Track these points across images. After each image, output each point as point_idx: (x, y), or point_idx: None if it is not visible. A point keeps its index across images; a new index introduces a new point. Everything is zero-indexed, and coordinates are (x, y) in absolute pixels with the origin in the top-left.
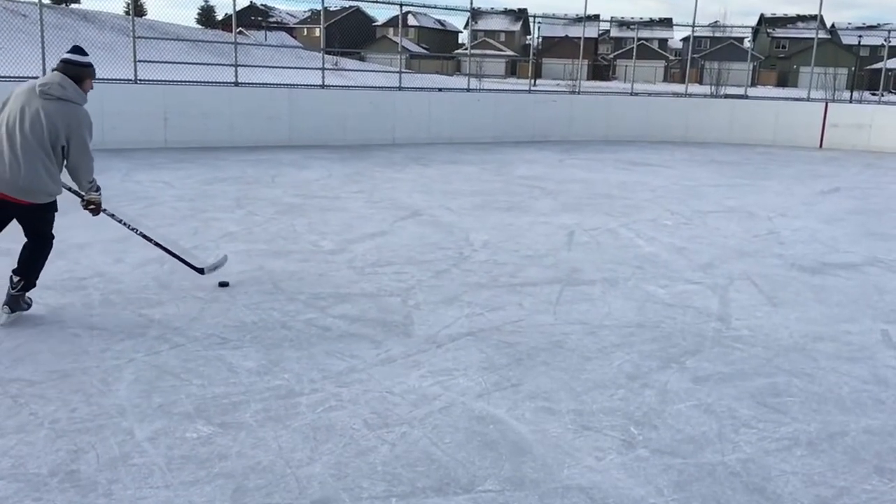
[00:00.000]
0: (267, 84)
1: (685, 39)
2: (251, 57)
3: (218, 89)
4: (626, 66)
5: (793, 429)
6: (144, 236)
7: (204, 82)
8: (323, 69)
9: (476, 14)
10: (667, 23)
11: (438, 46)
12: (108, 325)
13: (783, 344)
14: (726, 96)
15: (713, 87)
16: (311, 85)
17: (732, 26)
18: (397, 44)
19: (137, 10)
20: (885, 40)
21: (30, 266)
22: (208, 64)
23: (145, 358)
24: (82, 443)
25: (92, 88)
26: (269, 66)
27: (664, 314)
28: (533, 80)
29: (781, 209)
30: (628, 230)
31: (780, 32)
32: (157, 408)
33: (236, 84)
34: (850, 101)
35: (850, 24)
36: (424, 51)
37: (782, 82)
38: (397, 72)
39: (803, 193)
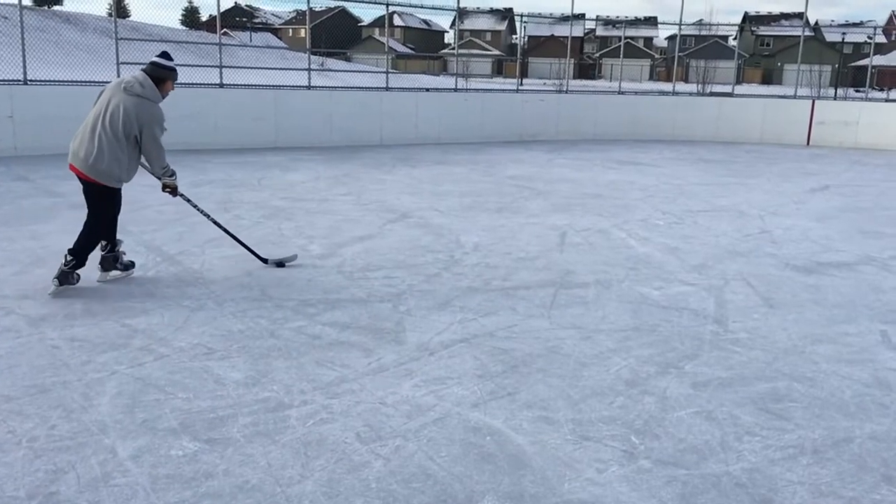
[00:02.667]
0: (252, 85)
1: (670, 38)
2: (236, 58)
3: (202, 91)
4: (613, 64)
5: (797, 436)
6: (215, 222)
7: (188, 84)
8: (309, 70)
9: (462, 14)
10: (652, 21)
11: (424, 46)
12: (90, 336)
13: (782, 347)
14: (712, 94)
15: (699, 86)
16: (296, 86)
17: (718, 24)
18: (383, 44)
19: (120, 11)
20: (869, 37)
21: (81, 245)
22: (192, 65)
23: (128, 370)
24: (62, 462)
25: (173, 89)
26: (255, 68)
27: (660, 317)
28: (520, 80)
29: (772, 207)
30: (620, 230)
31: (764, 30)
32: (140, 423)
33: (221, 85)
34: (835, 98)
35: (833, 21)
36: (410, 51)
37: (767, 80)
38: (384, 72)
39: (793, 191)
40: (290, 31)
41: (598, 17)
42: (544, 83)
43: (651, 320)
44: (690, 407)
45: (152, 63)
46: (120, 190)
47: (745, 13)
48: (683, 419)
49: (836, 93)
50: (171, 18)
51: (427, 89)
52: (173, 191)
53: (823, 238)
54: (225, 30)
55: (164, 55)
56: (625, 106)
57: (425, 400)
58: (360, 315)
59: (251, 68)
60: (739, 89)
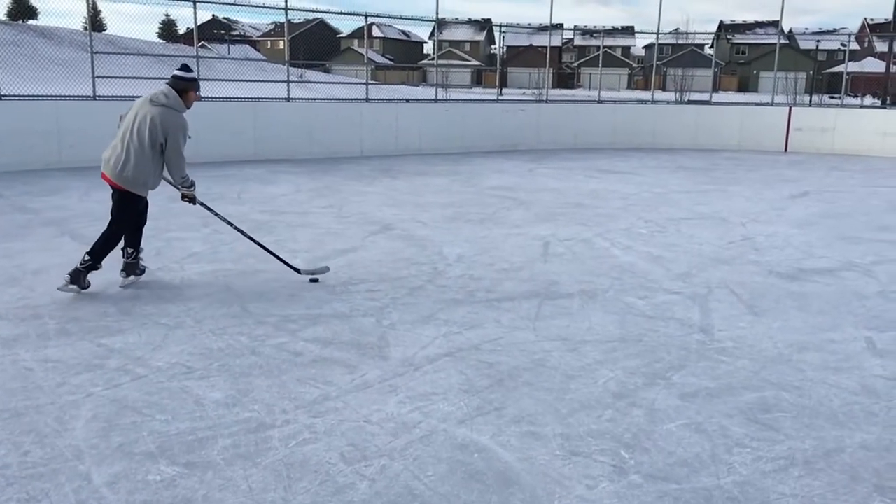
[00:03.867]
0: (231, 98)
1: (647, 47)
2: (214, 70)
3: None
4: (591, 73)
5: (787, 447)
6: (240, 230)
7: None
8: (288, 82)
9: (441, 24)
10: (629, 31)
11: (403, 57)
12: (65, 357)
13: (768, 355)
14: (690, 102)
15: (678, 94)
16: (276, 98)
17: (695, 33)
18: (362, 55)
19: (97, 25)
20: (842, 45)
21: (97, 248)
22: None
23: (104, 392)
24: (35, 490)
25: (198, 99)
26: (233, 80)
27: (646, 327)
28: (499, 90)
29: (753, 214)
30: (603, 240)
31: (739, 38)
32: (116, 448)
33: (199, 98)
34: (810, 105)
35: (807, 29)
36: (390, 62)
37: (743, 87)
38: (363, 83)
39: (773, 198)
40: (269, 43)
41: (575, 26)
42: (524, 93)
43: (637, 330)
44: (679, 419)
45: (173, 76)
46: (145, 199)
47: (721, 22)
48: (673, 432)
49: (811, 99)
50: (148, 32)
51: (407, 100)
52: (191, 200)
53: (805, 244)
54: (203, 42)
55: (184, 67)
56: (605, 114)
57: (411, 417)
58: (342, 330)
59: (230, 80)
60: (716, 97)
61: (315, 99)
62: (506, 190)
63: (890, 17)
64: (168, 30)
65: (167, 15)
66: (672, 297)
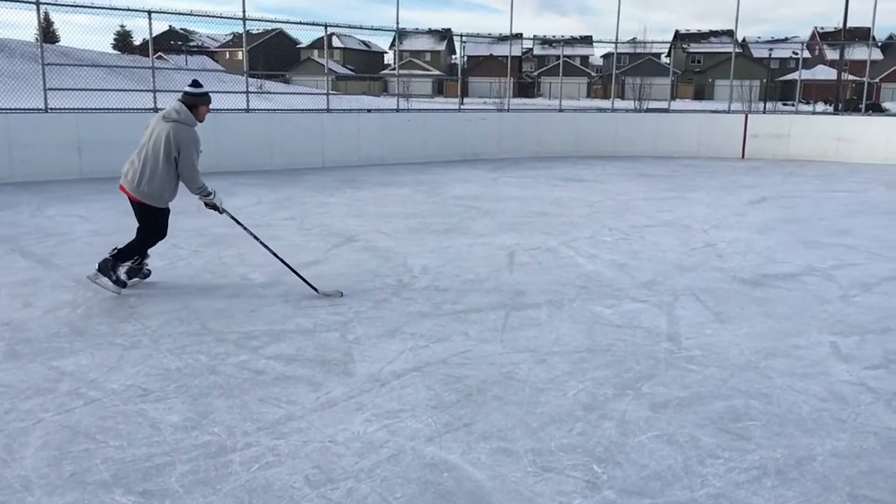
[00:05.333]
0: None
1: (606, 56)
2: (171, 82)
3: (136, 116)
4: (551, 82)
5: (759, 456)
6: (265, 245)
7: (121, 109)
8: (247, 93)
9: (401, 34)
10: (587, 40)
11: (364, 67)
12: (14, 381)
13: (736, 362)
14: (649, 110)
15: (637, 102)
16: (235, 109)
17: (652, 42)
18: (323, 65)
19: (49, 37)
20: (794, 53)
21: (128, 249)
22: (124, 90)
23: (56, 417)
24: None
25: (209, 112)
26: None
27: (614, 336)
28: (461, 99)
29: (714, 221)
30: (568, 248)
31: (694, 48)
32: (68, 477)
33: (156, 110)
34: (765, 112)
35: (759, 37)
36: (350, 72)
37: (699, 95)
38: (324, 94)
39: (733, 204)
40: (227, 53)
41: (535, 36)
42: (485, 102)
43: (605, 340)
44: (651, 430)
45: (184, 92)
46: (166, 209)
47: (676, 31)
48: (644, 444)
49: (765, 106)
50: (102, 43)
51: (369, 110)
52: (215, 209)
53: (766, 250)
54: (159, 53)
55: (194, 83)
56: (566, 123)
57: (378, 436)
58: (306, 346)
59: None
60: (674, 105)
61: (275, 110)
62: (470, 199)
63: (840, 25)
64: (123, 41)
65: (122, 26)
66: (638, 305)
